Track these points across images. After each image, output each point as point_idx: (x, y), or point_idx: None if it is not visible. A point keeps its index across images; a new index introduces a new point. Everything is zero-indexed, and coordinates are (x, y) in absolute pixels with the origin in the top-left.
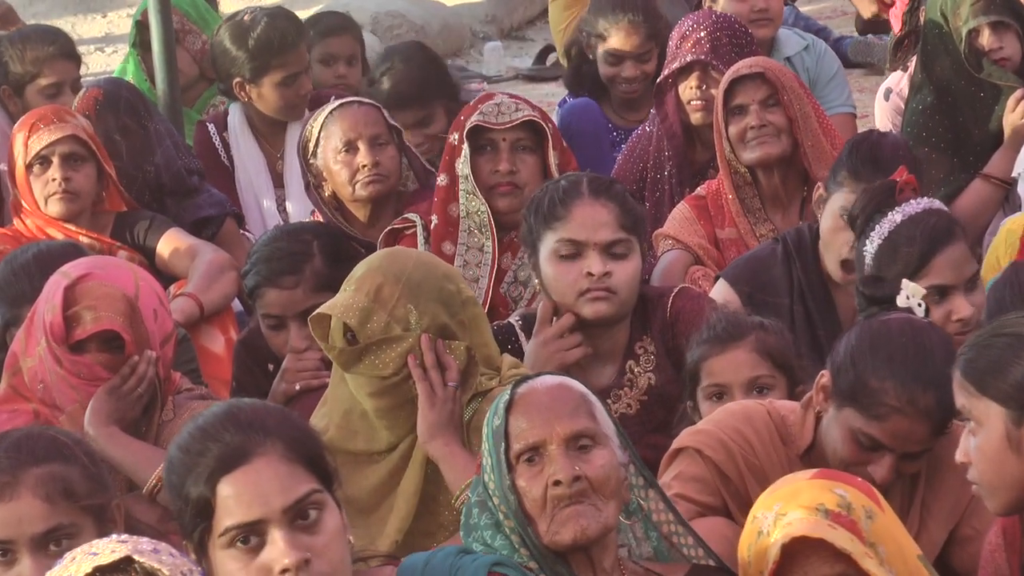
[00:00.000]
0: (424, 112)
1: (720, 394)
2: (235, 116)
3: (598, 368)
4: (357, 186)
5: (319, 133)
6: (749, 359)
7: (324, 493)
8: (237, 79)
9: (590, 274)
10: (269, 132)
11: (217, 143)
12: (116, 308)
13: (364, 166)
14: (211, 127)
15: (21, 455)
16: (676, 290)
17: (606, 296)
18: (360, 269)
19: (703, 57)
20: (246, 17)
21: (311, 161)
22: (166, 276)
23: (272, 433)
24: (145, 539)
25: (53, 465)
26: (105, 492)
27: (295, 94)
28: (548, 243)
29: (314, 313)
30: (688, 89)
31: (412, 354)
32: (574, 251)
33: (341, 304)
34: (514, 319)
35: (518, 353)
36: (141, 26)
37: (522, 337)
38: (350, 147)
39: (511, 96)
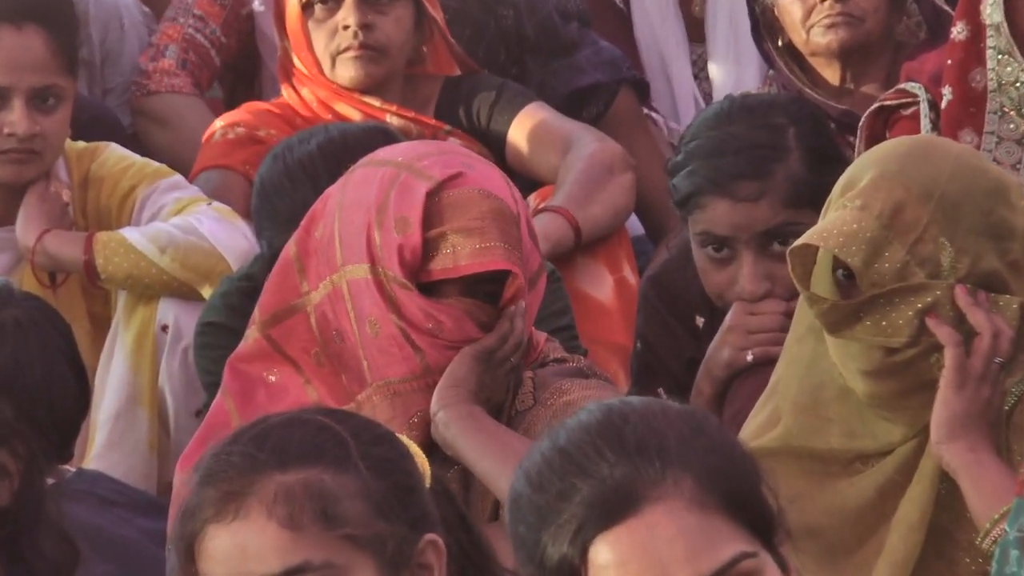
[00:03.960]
0: None
1: None
2: None
3: None
4: (813, 31)
5: None
6: None
7: (759, 556)
8: None
9: None
10: None
11: None
12: (508, 235)
13: (823, 1)
14: None
15: (262, 453)
16: None
17: None
18: (865, 173)
19: None
20: None
21: None
22: (522, 179)
23: (676, 461)
24: None
25: (309, 470)
26: (397, 519)
27: None
28: None
29: (796, 243)
30: None
31: (935, 313)
32: None
33: (837, 229)
34: None
35: None
36: None
37: None
38: None
39: None
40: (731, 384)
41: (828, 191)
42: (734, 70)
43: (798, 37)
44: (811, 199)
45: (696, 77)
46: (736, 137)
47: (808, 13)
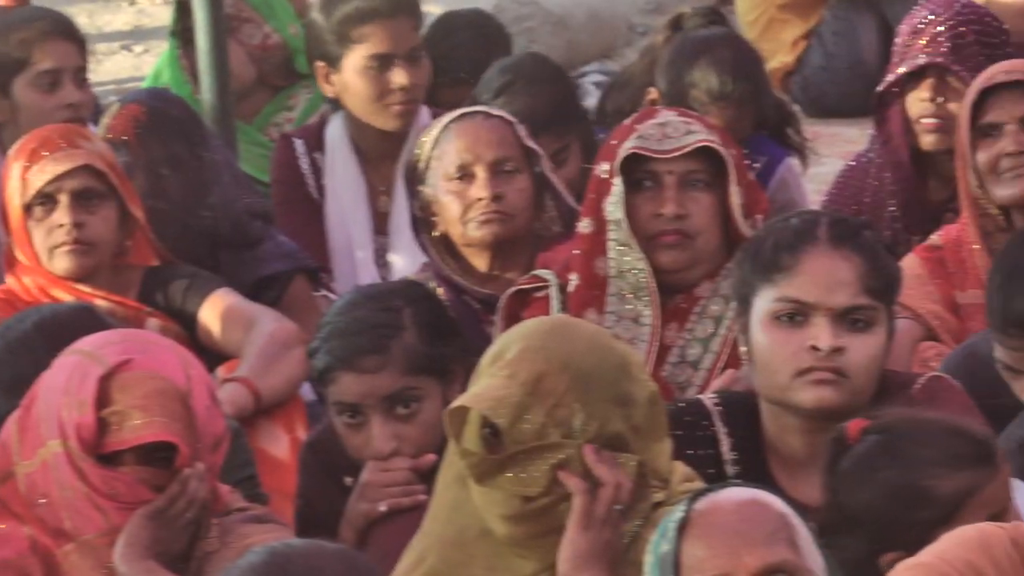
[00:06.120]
0: (557, 145)
1: None
2: (335, 131)
3: (811, 477)
4: (469, 225)
5: (431, 151)
6: None
7: None
8: (319, 63)
9: (815, 348)
10: (377, 155)
11: (305, 166)
12: (170, 410)
13: (480, 199)
14: (299, 144)
15: None
16: (926, 378)
17: (835, 380)
18: (514, 345)
19: (940, 59)
20: None
21: (419, 188)
22: (211, 353)
23: None
24: None
25: None
26: None
27: (385, 85)
28: (764, 301)
29: (452, 405)
30: (918, 102)
31: (567, 467)
32: (799, 315)
33: (489, 394)
34: (708, 396)
35: (709, 443)
36: (184, 9)
37: (718, 422)
38: (465, 173)
39: (680, 114)
40: (369, 532)
41: (443, 359)
42: (411, 258)
43: (455, 230)
44: (427, 367)
45: (377, 264)
46: (359, 320)
47: (466, 209)
